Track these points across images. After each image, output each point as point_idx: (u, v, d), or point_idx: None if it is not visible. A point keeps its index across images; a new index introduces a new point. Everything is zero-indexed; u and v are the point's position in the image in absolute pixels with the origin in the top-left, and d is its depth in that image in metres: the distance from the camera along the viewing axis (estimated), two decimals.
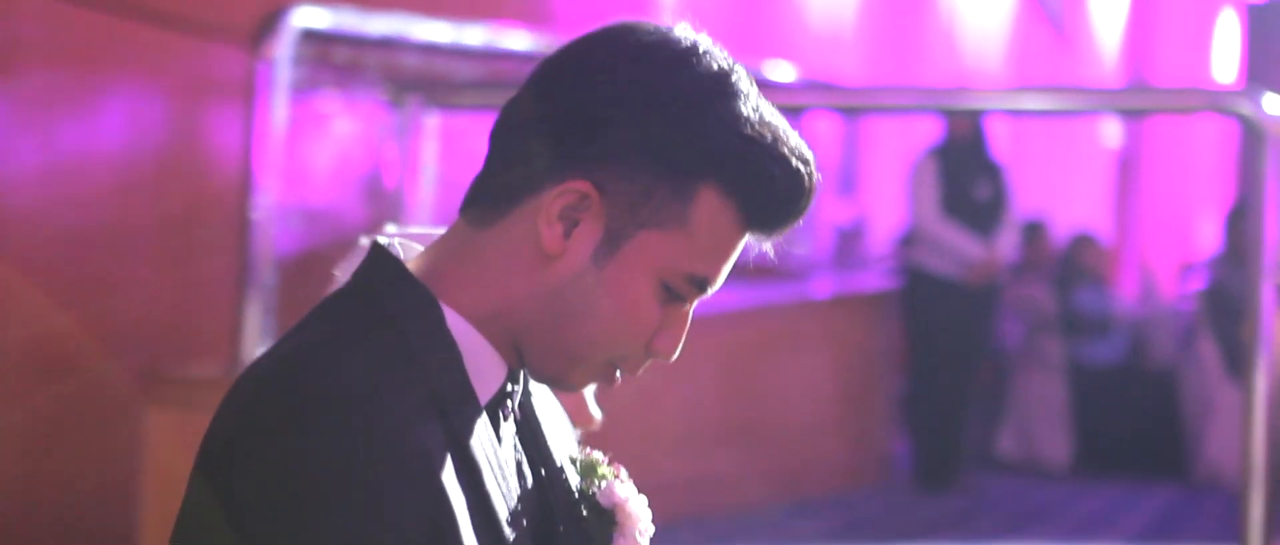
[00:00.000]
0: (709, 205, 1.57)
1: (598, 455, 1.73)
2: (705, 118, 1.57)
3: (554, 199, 1.57)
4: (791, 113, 4.85)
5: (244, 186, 4.47)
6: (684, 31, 1.61)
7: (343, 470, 1.47)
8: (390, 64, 5.76)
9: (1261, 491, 3.29)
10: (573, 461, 1.72)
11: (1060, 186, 12.94)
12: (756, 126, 1.58)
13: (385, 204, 5.31)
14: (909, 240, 8.94)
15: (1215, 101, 4.55)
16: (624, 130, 1.57)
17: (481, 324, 1.60)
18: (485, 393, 1.60)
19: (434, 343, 1.58)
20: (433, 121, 5.04)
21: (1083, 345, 10.23)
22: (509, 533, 1.57)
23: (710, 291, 1.62)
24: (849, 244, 10.94)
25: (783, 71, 7.74)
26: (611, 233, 1.58)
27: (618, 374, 1.63)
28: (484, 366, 1.60)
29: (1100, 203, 14.25)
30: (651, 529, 1.71)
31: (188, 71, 5.00)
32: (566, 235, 1.58)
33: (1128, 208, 14.88)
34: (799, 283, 8.91)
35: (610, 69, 1.59)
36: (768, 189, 1.58)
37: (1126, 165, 14.89)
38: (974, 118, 8.60)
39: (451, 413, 1.56)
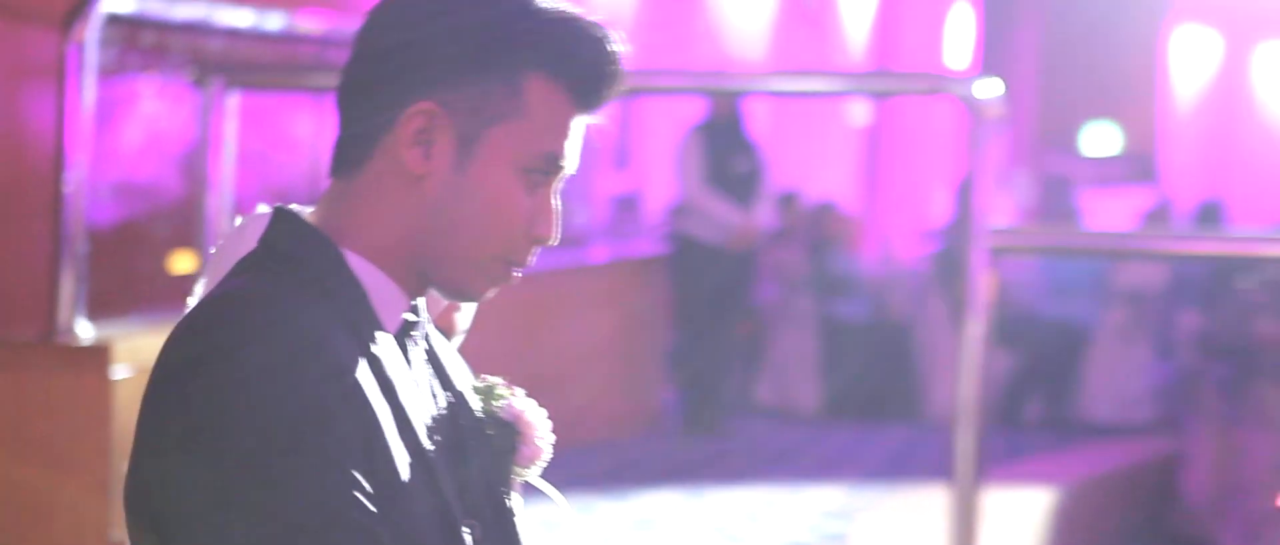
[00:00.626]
0: (538, 90, 1.61)
1: (495, 379, 1.77)
2: (512, 15, 1.61)
3: (405, 126, 1.60)
4: None
5: (57, 163, 4.42)
6: None
7: (287, 385, 1.50)
8: (195, 47, 5.70)
9: (971, 430, 3.42)
10: (474, 389, 1.76)
11: (813, 161, 13.14)
12: (556, 12, 1.62)
13: (192, 179, 5.27)
14: (678, 210, 9.04)
15: (940, 85, 4.69)
16: (446, 46, 1.60)
17: (380, 260, 1.63)
18: (391, 322, 1.63)
19: (340, 281, 1.61)
20: (234, 102, 5.01)
21: (831, 303, 10.40)
22: (427, 444, 1.60)
23: (567, 169, 1.65)
24: (624, 213, 11.02)
25: None
26: (464, 139, 1.61)
27: (513, 271, 1.66)
28: (387, 299, 1.63)
29: (848, 176, 14.50)
30: (551, 435, 1.76)
31: (2, 54, 4.93)
32: (427, 156, 1.61)
33: (872, 181, 15.14)
34: (579, 249, 8.97)
35: (418, 1, 1.63)
36: (582, 62, 1.62)
37: (871, 142, 15.15)
38: (733, 99, 8.71)
39: (365, 338, 1.59)
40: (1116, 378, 9.90)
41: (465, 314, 2.18)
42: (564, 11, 1.63)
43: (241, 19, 5.67)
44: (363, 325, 1.60)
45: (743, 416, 9.62)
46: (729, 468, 8.25)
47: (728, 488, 7.61)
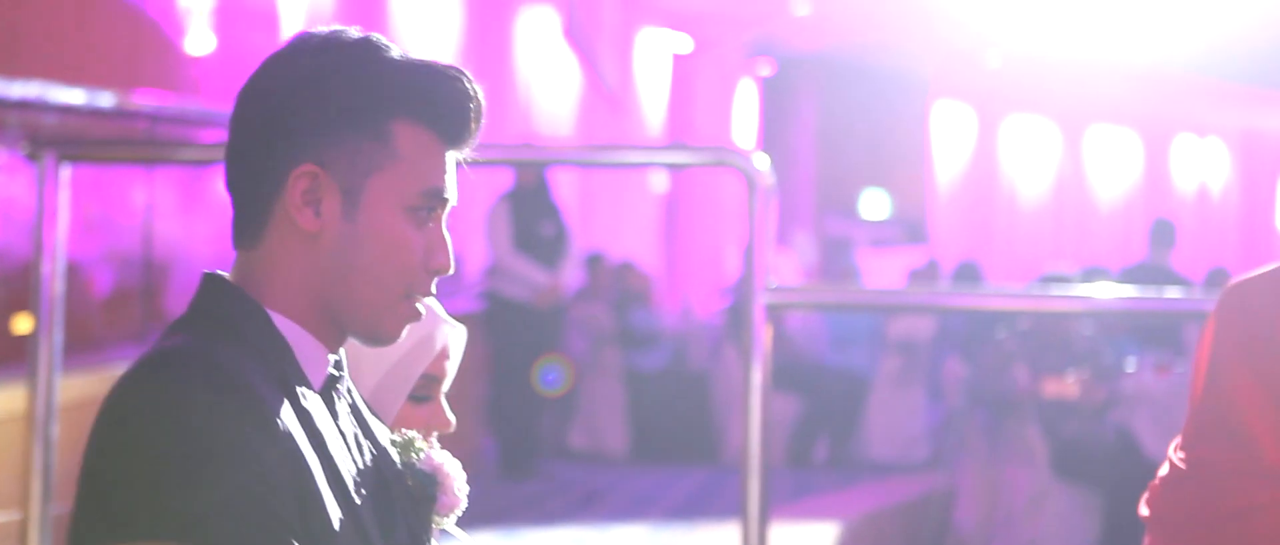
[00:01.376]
0: (406, 134, 1.59)
1: (412, 433, 1.73)
2: (371, 71, 1.59)
3: (292, 189, 1.58)
4: None
5: None
6: (314, 28, 1.63)
7: (226, 437, 1.47)
8: (30, 123, 5.52)
9: (758, 471, 3.36)
10: (392, 443, 1.70)
11: (616, 226, 13.13)
12: (412, 62, 1.61)
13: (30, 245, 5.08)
14: (490, 271, 8.96)
15: (720, 158, 4.64)
16: (315, 110, 1.58)
17: (300, 318, 1.60)
18: (316, 378, 1.60)
19: (268, 339, 1.57)
20: (67, 174, 4.82)
21: (635, 355, 10.38)
22: (355, 497, 1.56)
23: (450, 200, 1.64)
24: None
25: None
26: (348, 192, 1.58)
27: (418, 306, 1.63)
28: (310, 355, 1.60)
29: (649, 239, 14.52)
30: (466, 485, 1.72)
31: None
32: (317, 214, 1.58)
33: (671, 243, 15.19)
34: None
35: (278, 73, 1.60)
36: (441, 102, 1.60)
37: (670, 209, 15.20)
38: (540, 170, 8.67)
39: (294, 394, 1.56)
40: (894, 420, 9.99)
41: (454, 360, 2.10)
42: (418, 60, 1.62)
43: (74, 96, 5.53)
44: (291, 380, 1.56)
45: (557, 460, 9.53)
46: (543, 510, 8.14)
47: (542, 529, 7.52)
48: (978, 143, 19.12)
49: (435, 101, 1.60)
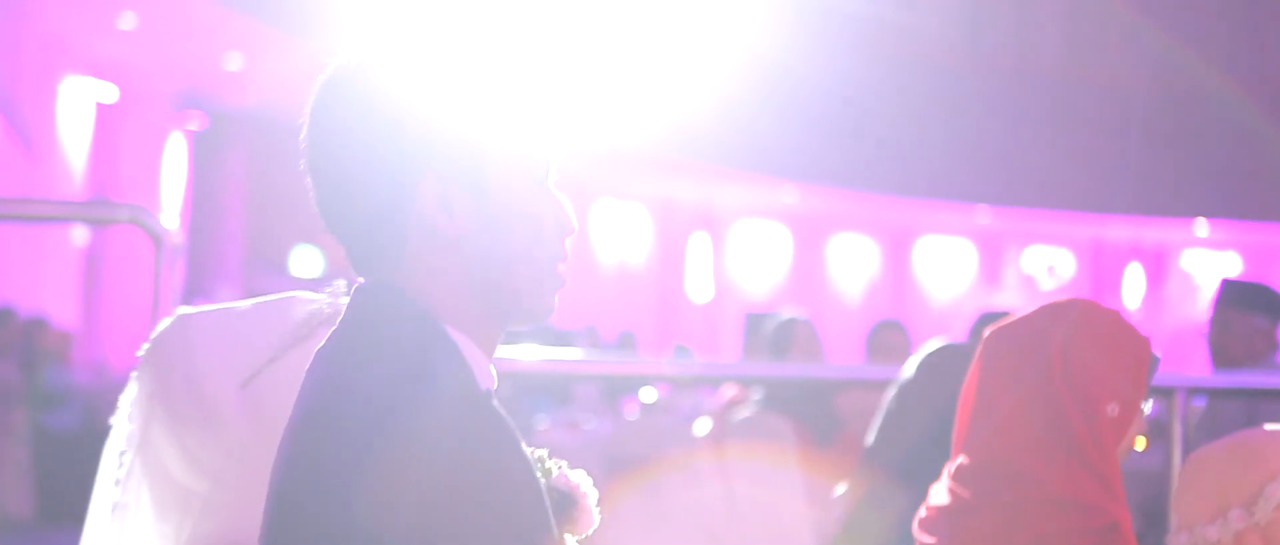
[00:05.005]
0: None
1: (541, 451, 1.69)
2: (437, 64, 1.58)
3: (425, 205, 1.56)
4: None
5: None
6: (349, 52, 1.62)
7: (492, 462, 1.45)
8: None
9: None
10: None
11: (29, 281, 12.67)
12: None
13: None
14: None
15: (128, 215, 4.68)
16: (412, 127, 1.55)
17: (464, 327, 1.56)
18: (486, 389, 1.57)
19: (451, 356, 1.54)
20: None
21: (45, 414, 10.07)
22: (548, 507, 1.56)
23: (555, 161, 1.63)
24: None
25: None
26: (474, 183, 1.57)
27: (562, 270, 1.62)
28: (480, 366, 1.57)
29: (68, 295, 14.07)
30: (598, 500, 1.70)
31: None
32: (452, 217, 1.56)
33: (92, 298, 14.77)
34: None
35: (360, 101, 1.57)
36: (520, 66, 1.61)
37: (92, 262, 14.77)
38: None
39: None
40: None
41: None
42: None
43: None
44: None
45: None
46: None
47: None
48: None
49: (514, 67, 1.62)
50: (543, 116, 1.64)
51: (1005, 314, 3.17)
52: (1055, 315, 2.37)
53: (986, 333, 2.44)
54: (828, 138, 17.51)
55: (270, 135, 17.12)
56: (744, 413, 5.72)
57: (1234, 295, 5.09)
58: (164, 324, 1.98)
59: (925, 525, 2.37)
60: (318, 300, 1.98)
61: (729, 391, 6.46)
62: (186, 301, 2.40)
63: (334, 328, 1.60)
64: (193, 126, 16.52)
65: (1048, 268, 22.65)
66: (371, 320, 1.56)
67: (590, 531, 1.72)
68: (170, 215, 4.75)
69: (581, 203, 20.93)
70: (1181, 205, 19.44)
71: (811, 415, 5.52)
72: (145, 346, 1.99)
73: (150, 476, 1.99)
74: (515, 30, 12.04)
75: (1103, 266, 22.62)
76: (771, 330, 5.98)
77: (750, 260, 21.72)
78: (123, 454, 2.02)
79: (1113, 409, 2.30)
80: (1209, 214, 19.69)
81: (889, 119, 17.94)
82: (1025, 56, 19.95)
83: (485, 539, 1.43)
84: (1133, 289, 22.27)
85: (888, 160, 18.07)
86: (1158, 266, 22.37)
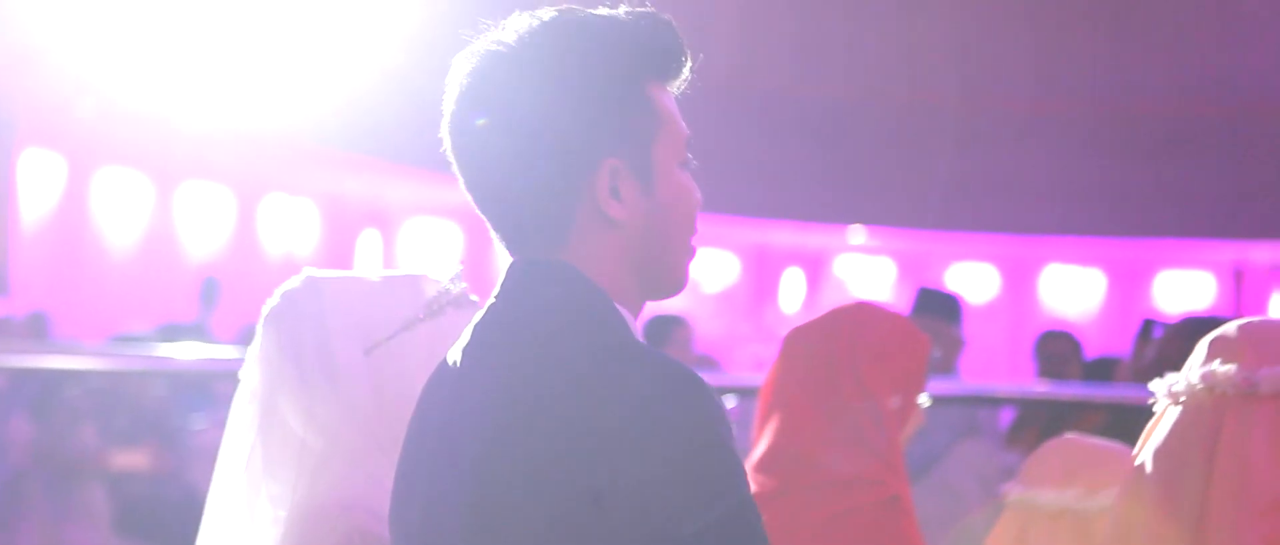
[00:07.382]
0: (659, 96, 1.67)
1: None
2: (614, 48, 1.63)
3: (598, 188, 1.62)
4: None
5: None
6: (516, 17, 1.66)
7: (714, 428, 1.52)
8: None
9: None
10: None
11: None
12: (633, 22, 1.66)
13: None
14: None
15: None
16: (587, 106, 1.61)
17: (627, 305, 1.64)
18: None
19: (629, 334, 1.61)
20: None
21: None
22: None
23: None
24: None
25: None
26: (640, 170, 1.64)
27: (695, 244, 1.71)
28: None
29: None
30: None
31: None
32: (621, 202, 1.63)
33: None
34: None
35: (532, 81, 1.62)
36: (669, 54, 1.67)
37: None
38: None
39: None
40: None
41: None
42: (636, 18, 1.66)
43: None
44: None
45: None
46: None
47: None
48: (67, 193, 18.81)
49: (665, 53, 1.67)
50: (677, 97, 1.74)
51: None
52: (844, 318, 2.67)
53: (786, 335, 2.73)
54: None
55: None
56: None
57: (931, 304, 5.44)
58: (292, 281, 2.05)
59: None
60: (443, 282, 2.07)
61: None
62: None
63: (488, 304, 1.68)
64: None
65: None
66: (554, 296, 1.63)
67: None
68: None
69: (249, 199, 20.58)
70: (840, 212, 20.21)
71: None
72: (272, 302, 2.05)
73: (270, 428, 2.05)
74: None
75: (764, 271, 23.37)
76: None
77: (422, 258, 21.67)
78: (249, 405, 2.09)
79: (896, 401, 2.61)
80: (865, 221, 20.52)
81: None
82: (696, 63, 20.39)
83: (715, 501, 1.51)
84: (792, 294, 23.10)
85: None
86: (816, 272, 23.21)
